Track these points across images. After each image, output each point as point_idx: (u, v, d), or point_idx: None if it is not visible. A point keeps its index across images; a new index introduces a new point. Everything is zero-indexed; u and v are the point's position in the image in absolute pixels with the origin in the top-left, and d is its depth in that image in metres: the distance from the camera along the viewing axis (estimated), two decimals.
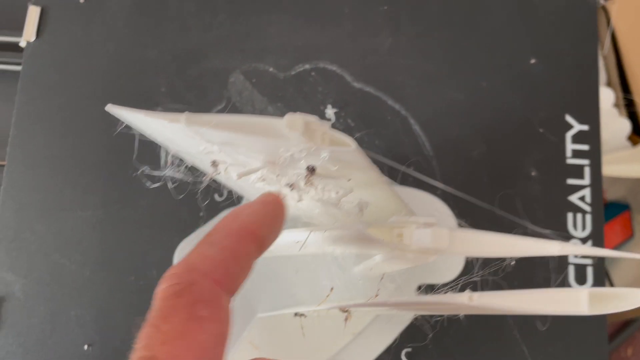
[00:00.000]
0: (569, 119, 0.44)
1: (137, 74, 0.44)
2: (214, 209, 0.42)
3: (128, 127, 0.25)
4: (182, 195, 0.36)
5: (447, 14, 0.46)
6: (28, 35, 0.44)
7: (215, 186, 0.42)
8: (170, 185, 0.26)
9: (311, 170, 0.22)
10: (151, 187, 0.28)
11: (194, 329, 0.15)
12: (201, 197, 0.42)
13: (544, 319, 0.40)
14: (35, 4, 0.45)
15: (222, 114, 0.31)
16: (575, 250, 0.27)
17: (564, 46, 0.45)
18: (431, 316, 0.40)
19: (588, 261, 0.41)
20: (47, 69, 0.44)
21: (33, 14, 0.44)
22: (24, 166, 0.42)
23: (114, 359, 0.39)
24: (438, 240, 0.20)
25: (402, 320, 0.40)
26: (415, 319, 0.40)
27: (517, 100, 0.44)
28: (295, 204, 0.27)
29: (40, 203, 0.41)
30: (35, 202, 0.41)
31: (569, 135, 0.43)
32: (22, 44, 0.44)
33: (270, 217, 0.19)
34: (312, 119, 0.20)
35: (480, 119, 0.44)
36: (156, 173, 0.27)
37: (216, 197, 0.42)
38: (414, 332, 0.40)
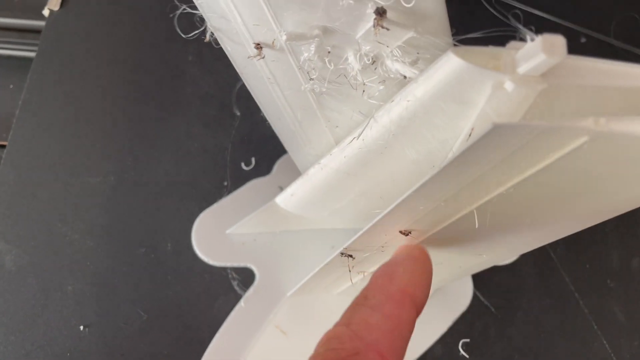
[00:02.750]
0: None
1: (163, 43, 0.43)
2: (240, 178, 0.38)
3: None
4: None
5: None
6: (53, 4, 0.43)
7: (242, 154, 0.39)
8: (208, 35, 0.22)
9: (381, 12, 0.19)
10: (187, 36, 0.25)
11: None
12: (228, 164, 0.38)
13: (624, 307, 0.35)
14: None
15: None
16: None
17: None
18: (491, 302, 0.34)
19: None
20: (69, 37, 0.43)
21: None
22: (32, 129, 0.39)
23: (114, 344, 0.33)
24: (550, 48, 0.16)
25: (456, 305, 0.35)
26: (472, 306, 0.34)
27: None
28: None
29: (47, 167, 0.38)
30: (41, 166, 0.38)
31: None
32: (45, 12, 0.43)
33: (425, 277, 0.18)
34: None
35: None
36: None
37: (243, 165, 0.38)
38: (472, 321, 0.34)
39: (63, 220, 0.36)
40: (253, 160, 0.39)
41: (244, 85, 0.38)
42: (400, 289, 0.17)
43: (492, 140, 0.16)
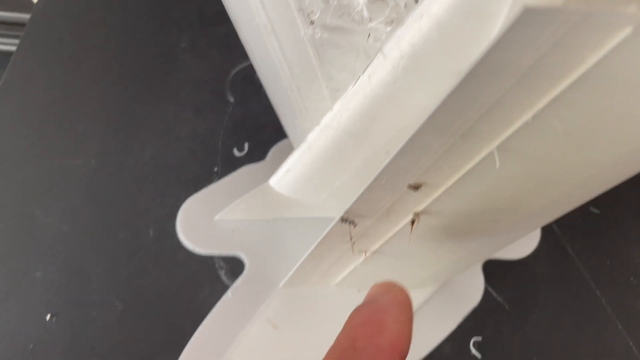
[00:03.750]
0: None
1: (156, 30, 0.41)
2: (232, 165, 0.36)
3: None
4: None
5: None
6: None
7: (234, 139, 0.37)
8: None
9: None
10: None
11: None
12: (219, 149, 0.36)
13: None
14: None
15: None
16: None
17: None
18: (505, 298, 0.32)
19: None
20: (58, 21, 0.41)
21: None
22: (12, 109, 0.37)
23: (83, 336, 0.30)
24: None
25: (466, 301, 0.32)
26: (483, 302, 0.32)
27: None
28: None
29: (25, 148, 0.35)
30: (19, 146, 0.35)
31: None
32: None
33: (410, 328, 0.17)
34: None
35: None
36: None
37: (235, 151, 0.36)
38: (484, 318, 0.31)
39: (37, 202, 0.34)
40: (246, 146, 0.36)
41: (238, 72, 0.37)
42: (391, 343, 0.16)
43: (521, 33, 0.14)
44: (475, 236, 0.25)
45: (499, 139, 0.18)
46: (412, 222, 0.23)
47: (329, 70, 0.25)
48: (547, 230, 0.34)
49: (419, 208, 0.23)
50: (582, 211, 0.35)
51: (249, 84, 0.39)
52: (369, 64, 0.21)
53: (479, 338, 0.30)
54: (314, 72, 0.26)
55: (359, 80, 0.22)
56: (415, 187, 0.21)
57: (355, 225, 0.24)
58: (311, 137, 0.27)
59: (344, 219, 0.24)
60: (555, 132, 0.17)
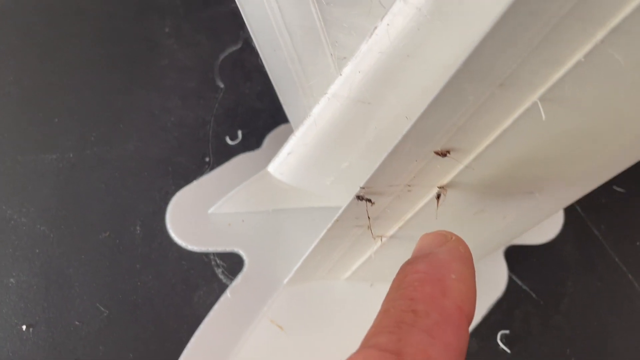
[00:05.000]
0: None
1: (137, 15, 0.39)
2: (225, 154, 0.33)
3: None
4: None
5: None
6: None
7: (226, 127, 0.34)
8: None
9: None
10: None
11: None
12: (210, 139, 0.33)
13: None
14: None
15: None
16: None
17: None
18: (531, 287, 0.29)
19: None
20: (30, 7, 0.38)
21: None
22: None
23: (65, 347, 0.26)
24: None
25: (489, 291, 0.29)
26: (508, 292, 0.29)
27: None
28: None
29: None
30: None
31: None
32: None
33: (474, 287, 0.14)
34: None
35: None
36: None
37: (227, 139, 0.33)
38: (510, 309, 0.29)
39: (9, 202, 0.30)
40: (240, 133, 0.34)
41: (227, 56, 0.34)
42: (457, 305, 0.13)
43: None
44: (506, 212, 0.23)
45: (545, 86, 0.16)
46: (438, 196, 0.21)
47: (335, 34, 0.23)
48: (570, 212, 0.32)
49: (446, 180, 0.20)
50: (606, 190, 0.33)
51: (240, 69, 0.37)
52: (386, 12, 0.18)
53: (506, 331, 0.28)
54: (317, 37, 0.23)
55: (373, 34, 0.19)
56: (443, 154, 0.19)
57: (372, 204, 0.21)
58: (317, 110, 0.24)
59: (359, 197, 0.21)
60: (617, 68, 0.14)
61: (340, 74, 0.22)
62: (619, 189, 0.33)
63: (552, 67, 0.15)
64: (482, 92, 0.16)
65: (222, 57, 0.37)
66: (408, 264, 0.15)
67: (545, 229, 0.31)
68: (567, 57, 0.15)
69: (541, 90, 0.16)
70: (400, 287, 0.14)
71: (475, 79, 0.16)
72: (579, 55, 0.15)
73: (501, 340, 0.28)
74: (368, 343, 0.13)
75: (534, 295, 0.29)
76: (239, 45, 0.37)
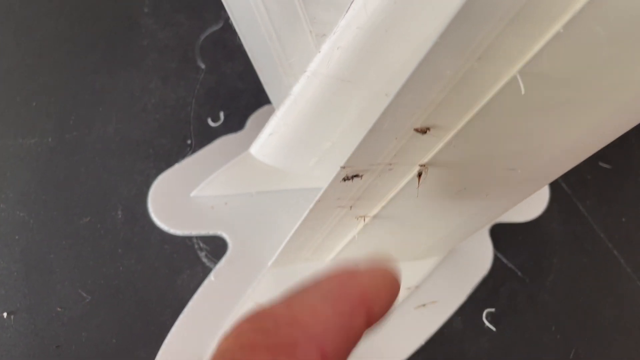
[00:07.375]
0: None
1: None
2: (207, 136, 0.32)
3: None
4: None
5: None
6: None
7: (208, 109, 0.33)
8: None
9: None
10: None
11: None
12: (192, 120, 0.33)
13: None
14: None
15: None
16: None
17: None
18: (516, 264, 0.29)
19: None
20: None
21: None
22: None
23: (47, 334, 0.26)
24: None
25: (474, 270, 0.29)
26: (494, 270, 0.29)
27: None
28: None
29: None
30: None
31: None
32: None
33: (388, 298, 0.15)
34: None
35: None
36: None
37: (209, 121, 0.33)
38: (496, 287, 0.29)
39: None
40: (222, 115, 0.33)
41: (208, 37, 0.34)
42: (360, 292, 0.14)
43: None
44: (488, 189, 0.22)
45: (524, 59, 0.15)
46: (419, 175, 0.21)
47: (313, 10, 0.22)
48: (555, 189, 0.32)
49: (426, 158, 0.20)
50: (591, 166, 0.33)
51: (221, 49, 0.36)
52: None
53: (492, 309, 0.28)
54: (294, 12, 0.23)
55: (350, 9, 0.19)
56: (423, 131, 0.19)
57: (360, 178, 0.21)
58: (297, 88, 0.24)
59: (346, 178, 0.21)
60: (596, 40, 0.14)
61: (319, 51, 0.21)
62: (604, 165, 0.33)
63: (531, 39, 0.15)
64: (460, 66, 0.16)
65: (202, 37, 0.36)
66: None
67: (531, 206, 0.31)
68: (545, 28, 0.15)
69: (520, 64, 0.16)
70: (314, 275, 0.14)
71: (452, 53, 0.15)
72: (557, 26, 0.14)
73: (486, 318, 0.28)
74: None
75: (519, 273, 0.29)
76: (220, 25, 0.37)
